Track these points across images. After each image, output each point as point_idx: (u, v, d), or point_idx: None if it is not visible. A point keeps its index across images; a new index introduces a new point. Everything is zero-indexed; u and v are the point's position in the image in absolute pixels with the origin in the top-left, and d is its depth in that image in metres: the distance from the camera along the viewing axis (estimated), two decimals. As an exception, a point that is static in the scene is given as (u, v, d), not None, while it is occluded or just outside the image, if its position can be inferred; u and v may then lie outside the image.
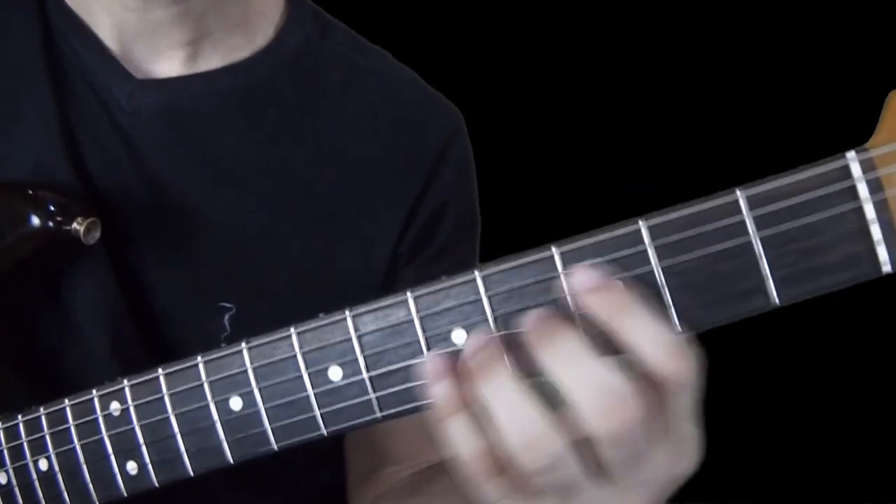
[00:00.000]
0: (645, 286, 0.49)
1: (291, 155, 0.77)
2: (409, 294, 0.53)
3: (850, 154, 0.47)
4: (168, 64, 0.76)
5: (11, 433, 0.64)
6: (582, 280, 0.49)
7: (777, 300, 0.48)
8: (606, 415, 0.47)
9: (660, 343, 0.47)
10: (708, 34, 1.72)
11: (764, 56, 1.69)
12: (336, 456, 0.84)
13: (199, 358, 0.58)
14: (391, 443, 0.82)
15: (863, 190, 0.46)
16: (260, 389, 0.56)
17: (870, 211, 0.46)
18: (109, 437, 0.60)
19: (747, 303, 0.48)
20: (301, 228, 0.77)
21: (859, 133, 0.49)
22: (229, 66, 0.77)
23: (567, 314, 0.49)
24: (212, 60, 0.77)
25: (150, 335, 0.74)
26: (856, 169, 0.46)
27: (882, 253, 0.46)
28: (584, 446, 0.48)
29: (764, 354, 1.75)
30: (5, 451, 0.64)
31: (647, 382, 0.48)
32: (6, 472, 0.64)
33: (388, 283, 0.79)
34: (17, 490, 0.64)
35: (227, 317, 0.74)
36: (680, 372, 0.48)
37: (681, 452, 0.52)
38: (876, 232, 0.46)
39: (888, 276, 0.47)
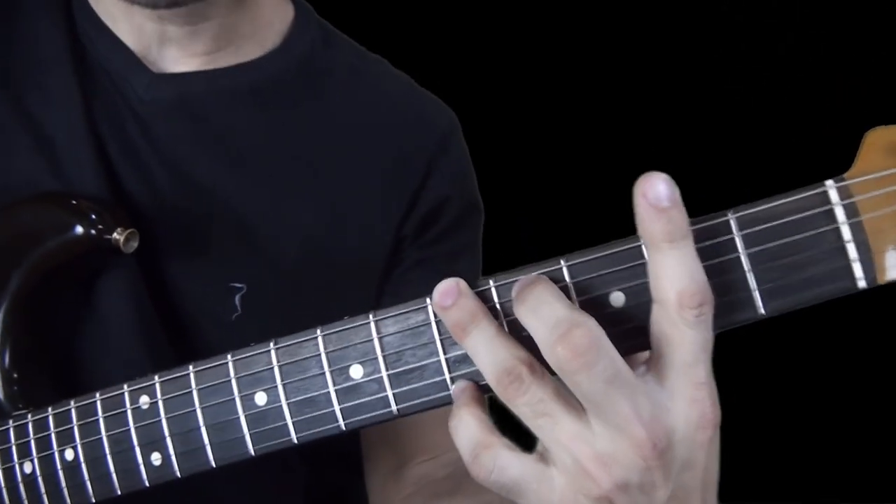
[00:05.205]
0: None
1: (299, 143, 0.83)
2: (427, 301, 0.58)
3: (829, 182, 0.53)
4: (184, 66, 0.82)
5: (40, 425, 0.67)
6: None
7: (763, 311, 0.53)
8: (556, 345, 0.48)
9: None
10: (705, 67, 1.83)
11: (756, 95, 1.80)
12: (343, 461, 0.88)
13: (228, 356, 0.62)
14: (414, 434, 0.85)
15: (840, 214, 0.52)
16: (284, 385, 0.60)
17: (846, 232, 0.52)
18: (136, 428, 0.63)
19: (737, 314, 0.53)
20: (309, 209, 0.82)
21: (840, 165, 0.55)
22: (241, 64, 0.84)
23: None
24: (224, 63, 0.83)
25: (170, 320, 0.77)
26: (834, 195, 0.52)
27: (857, 270, 0.52)
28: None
29: (763, 356, 1.77)
30: (32, 442, 0.67)
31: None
32: (31, 461, 0.67)
33: (393, 261, 0.85)
34: (40, 479, 0.67)
35: (237, 297, 0.78)
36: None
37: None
38: (852, 251, 0.52)
39: (864, 291, 0.52)
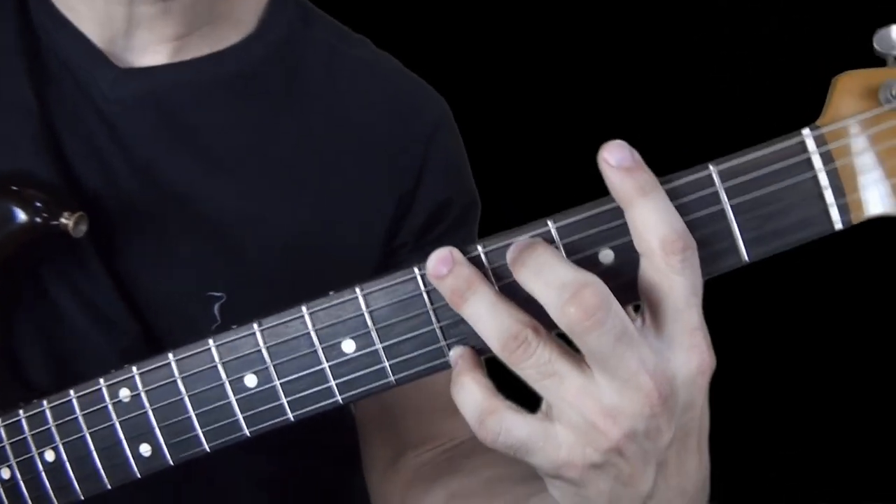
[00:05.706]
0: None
1: (278, 140, 0.79)
2: (416, 270, 0.58)
3: (806, 131, 0.54)
4: (153, 56, 0.76)
5: (13, 428, 0.64)
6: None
7: (747, 258, 0.56)
8: (567, 306, 0.49)
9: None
10: (680, 27, 1.85)
11: (730, 49, 1.84)
12: (338, 452, 0.86)
13: (210, 342, 0.60)
14: (412, 425, 0.83)
15: (817, 161, 0.54)
16: (275, 366, 0.59)
17: (823, 179, 0.54)
18: (121, 423, 0.62)
19: (721, 262, 0.56)
20: (291, 212, 0.78)
21: (802, 113, 0.57)
22: (214, 54, 0.78)
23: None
24: (196, 50, 0.78)
25: (144, 324, 0.74)
26: (811, 144, 0.54)
27: (834, 214, 0.54)
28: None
29: (761, 357, 1.83)
30: (7, 447, 0.64)
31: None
32: (9, 467, 0.64)
33: (388, 264, 0.81)
34: (21, 483, 0.64)
35: (216, 306, 0.75)
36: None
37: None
38: (829, 196, 0.54)
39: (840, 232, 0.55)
